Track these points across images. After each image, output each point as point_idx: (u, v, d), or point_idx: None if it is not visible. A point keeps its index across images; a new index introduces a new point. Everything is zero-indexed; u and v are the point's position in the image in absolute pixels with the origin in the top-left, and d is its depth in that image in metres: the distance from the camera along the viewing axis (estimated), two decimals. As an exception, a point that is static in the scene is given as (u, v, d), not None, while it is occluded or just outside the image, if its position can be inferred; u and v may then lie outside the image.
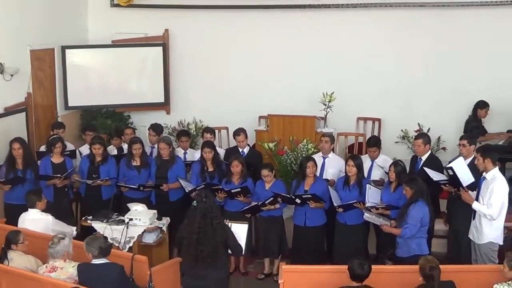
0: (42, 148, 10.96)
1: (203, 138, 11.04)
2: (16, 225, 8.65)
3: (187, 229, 7.37)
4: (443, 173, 9.04)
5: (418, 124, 12.05)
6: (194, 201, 7.44)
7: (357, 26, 12.66)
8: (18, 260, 7.67)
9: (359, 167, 9.28)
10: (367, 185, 9.14)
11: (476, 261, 8.64)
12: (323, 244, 9.70)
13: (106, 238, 7.58)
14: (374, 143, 10.20)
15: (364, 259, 6.96)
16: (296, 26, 12.90)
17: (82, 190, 10.40)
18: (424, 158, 9.61)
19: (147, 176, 10.24)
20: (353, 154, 11.01)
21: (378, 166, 9.96)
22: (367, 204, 8.95)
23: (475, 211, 8.51)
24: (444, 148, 11.98)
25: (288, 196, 9.49)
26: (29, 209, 8.70)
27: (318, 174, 9.77)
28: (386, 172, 9.40)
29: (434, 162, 9.55)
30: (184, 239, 7.42)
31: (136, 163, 10.24)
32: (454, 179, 8.64)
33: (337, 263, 8.35)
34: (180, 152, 10.92)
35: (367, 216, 8.79)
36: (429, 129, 11.60)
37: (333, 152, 10.59)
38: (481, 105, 11.60)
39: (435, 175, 9.04)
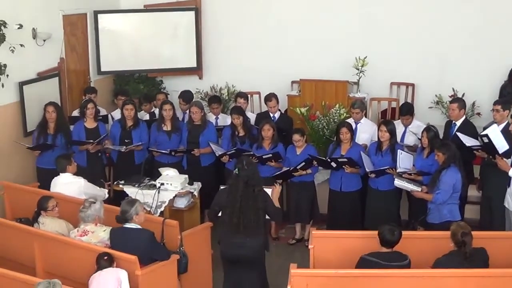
0: (75, 113, 11.03)
1: (236, 103, 11.03)
2: (49, 189, 8.75)
3: (229, 198, 7.30)
4: (477, 139, 8.91)
5: (453, 89, 11.87)
6: (236, 169, 7.34)
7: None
8: (49, 224, 7.78)
9: (392, 133, 9.19)
10: (399, 150, 9.06)
11: (510, 228, 8.56)
12: (359, 210, 9.64)
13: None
14: (407, 111, 10.06)
15: (394, 225, 6.92)
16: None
17: (114, 156, 10.45)
18: (458, 123, 9.49)
19: (178, 141, 10.25)
20: (385, 119, 10.89)
21: (411, 133, 9.84)
22: (398, 170, 8.87)
23: (510, 178, 8.38)
24: (479, 114, 11.78)
25: (323, 159, 9.44)
26: (61, 173, 8.78)
27: (351, 139, 9.69)
28: (419, 138, 9.29)
29: (469, 128, 9.43)
30: (224, 208, 7.35)
31: (166, 127, 10.25)
32: (489, 147, 8.51)
33: (368, 229, 8.32)
34: (211, 117, 10.91)
35: (397, 182, 8.72)
36: (463, 94, 11.41)
37: (365, 117, 10.49)
38: (517, 70, 11.39)
39: (468, 141, 8.92)
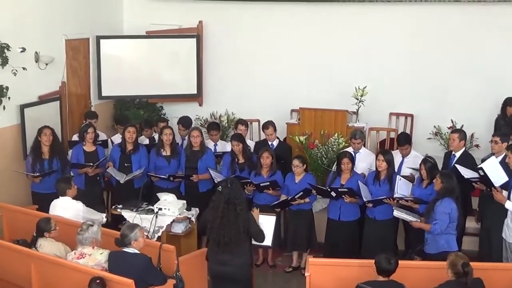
0: (75, 137, 11.04)
1: (236, 130, 11.06)
2: (46, 212, 8.74)
3: (211, 214, 7.46)
4: (476, 171, 8.93)
5: (451, 121, 11.93)
6: (219, 186, 7.49)
7: (391, 21, 12.53)
8: (48, 247, 7.76)
9: (389, 162, 9.21)
10: (398, 176, 9.11)
11: (507, 260, 8.55)
12: (357, 239, 9.61)
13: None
14: (404, 141, 10.11)
15: (391, 254, 6.91)
16: (329, 19, 12.83)
17: (113, 180, 10.43)
18: (458, 154, 9.52)
19: (176, 166, 10.27)
20: (383, 149, 10.92)
21: (409, 163, 9.90)
22: (396, 195, 8.90)
23: (507, 210, 8.40)
24: (477, 146, 11.83)
25: (323, 188, 9.46)
26: (60, 197, 8.78)
27: (348, 168, 9.71)
28: (415, 169, 9.32)
29: (468, 159, 9.45)
30: (207, 223, 7.51)
31: (166, 152, 10.28)
32: (486, 179, 8.54)
33: (365, 258, 8.31)
34: (210, 144, 10.93)
35: (396, 213, 8.73)
36: (462, 125, 11.42)
37: (364, 146, 10.54)
38: (509, 103, 11.41)
39: (466, 173, 8.93)
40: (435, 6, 12.20)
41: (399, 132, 11.61)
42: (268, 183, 9.62)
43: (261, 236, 7.65)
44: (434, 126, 12.20)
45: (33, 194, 10.09)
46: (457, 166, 9.09)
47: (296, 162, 9.65)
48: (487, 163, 8.64)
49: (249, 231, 7.46)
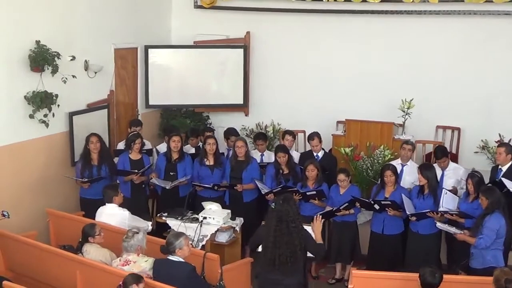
0: (120, 146, 11.20)
1: (283, 140, 11.06)
2: (92, 219, 8.86)
3: (264, 232, 7.29)
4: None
5: (499, 135, 11.75)
6: (273, 203, 7.34)
7: (438, 33, 12.39)
8: (94, 253, 7.87)
9: (428, 177, 9.13)
10: (444, 189, 9.06)
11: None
12: (400, 253, 9.54)
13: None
14: (441, 154, 10.06)
15: (436, 267, 6.86)
16: (375, 31, 12.75)
17: (158, 188, 10.54)
18: (504, 168, 9.44)
19: (219, 176, 10.35)
20: (424, 163, 10.75)
21: (449, 175, 9.87)
22: (440, 209, 8.82)
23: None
24: (525, 160, 11.64)
25: (366, 201, 9.43)
26: (107, 204, 8.90)
27: (395, 181, 9.66)
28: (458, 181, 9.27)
29: (515, 173, 9.34)
30: (261, 242, 7.34)
31: (209, 162, 10.37)
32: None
33: (408, 271, 8.24)
34: (257, 154, 10.98)
35: (440, 224, 8.66)
36: (510, 140, 11.29)
37: (411, 160, 10.47)
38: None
39: (512, 186, 8.85)
40: (484, 18, 12.04)
41: (446, 146, 11.48)
42: (315, 192, 9.62)
43: (321, 251, 7.47)
44: (482, 140, 12.03)
45: (81, 200, 10.24)
46: (504, 179, 9.00)
47: (342, 176, 9.65)
48: None
49: (308, 249, 7.29)
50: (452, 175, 9.83)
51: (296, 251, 7.10)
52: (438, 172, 9.82)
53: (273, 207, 7.27)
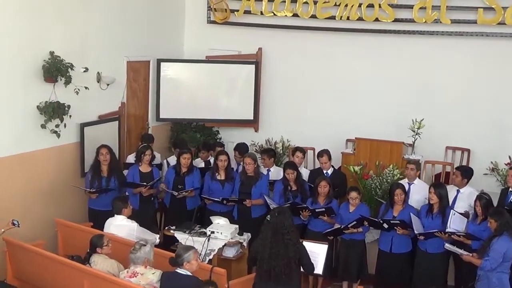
0: (130, 159, 11.22)
1: (293, 157, 11.08)
2: (101, 230, 8.89)
3: (260, 244, 7.41)
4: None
5: (509, 157, 11.71)
6: (268, 216, 7.48)
7: (450, 54, 12.42)
8: (101, 264, 7.88)
9: (441, 197, 9.14)
10: (452, 210, 9.03)
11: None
12: (408, 272, 9.50)
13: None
14: (465, 174, 10.00)
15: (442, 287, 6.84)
16: (386, 51, 12.78)
17: (167, 201, 10.60)
18: (515, 191, 9.41)
19: (230, 190, 10.36)
20: (437, 182, 10.78)
21: (463, 199, 9.80)
22: (448, 230, 8.81)
23: None
24: (536, 183, 11.61)
25: (375, 220, 9.43)
26: (116, 215, 8.92)
27: (403, 200, 9.64)
28: (470, 206, 9.25)
29: (526, 196, 9.33)
30: (258, 254, 7.44)
31: (220, 176, 10.39)
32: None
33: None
34: (263, 170, 10.98)
35: (448, 246, 8.65)
36: (520, 162, 11.31)
37: (419, 178, 10.46)
38: None
39: (523, 210, 8.82)
40: (496, 40, 12.05)
41: (455, 167, 11.45)
42: (324, 209, 9.63)
43: (311, 268, 7.61)
44: (491, 162, 11.98)
45: (89, 211, 10.28)
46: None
47: (354, 194, 9.64)
48: None
49: (301, 262, 7.41)
50: (465, 199, 9.75)
51: (290, 263, 7.26)
52: (453, 193, 9.82)
53: (268, 219, 7.41)
